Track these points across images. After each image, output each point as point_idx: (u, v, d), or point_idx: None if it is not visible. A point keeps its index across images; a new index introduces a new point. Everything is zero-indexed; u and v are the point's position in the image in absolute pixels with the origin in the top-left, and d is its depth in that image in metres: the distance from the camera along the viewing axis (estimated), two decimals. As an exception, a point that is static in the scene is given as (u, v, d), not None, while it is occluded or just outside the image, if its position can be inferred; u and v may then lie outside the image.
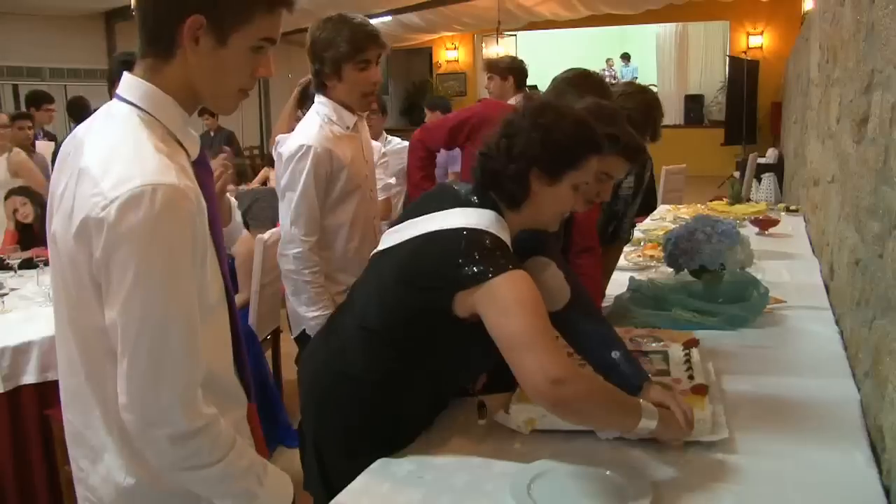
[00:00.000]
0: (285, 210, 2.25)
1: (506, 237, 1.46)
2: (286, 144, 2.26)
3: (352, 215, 2.32)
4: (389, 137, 4.38)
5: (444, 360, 1.56)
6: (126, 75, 1.13)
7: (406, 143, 3.67)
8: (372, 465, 1.48)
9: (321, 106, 2.31)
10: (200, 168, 1.18)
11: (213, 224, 1.16)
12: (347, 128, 2.31)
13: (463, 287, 1.39)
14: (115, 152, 1.05)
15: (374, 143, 2.79)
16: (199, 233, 1.06)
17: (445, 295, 1.42)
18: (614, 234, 2.71)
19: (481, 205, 1.49)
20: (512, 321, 1.34)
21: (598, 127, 1.54)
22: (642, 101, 2.31)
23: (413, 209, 1.59)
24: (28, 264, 3.31)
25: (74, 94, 10.06)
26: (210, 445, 1.07)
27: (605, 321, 1.78)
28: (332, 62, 2.20)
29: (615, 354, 1.62)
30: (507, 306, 1.35)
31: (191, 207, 1.04)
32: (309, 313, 2.26)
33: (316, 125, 2.27)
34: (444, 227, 1.45)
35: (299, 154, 2.20)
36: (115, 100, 1.13)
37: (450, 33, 14.32)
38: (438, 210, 1.50)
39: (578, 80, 2.21)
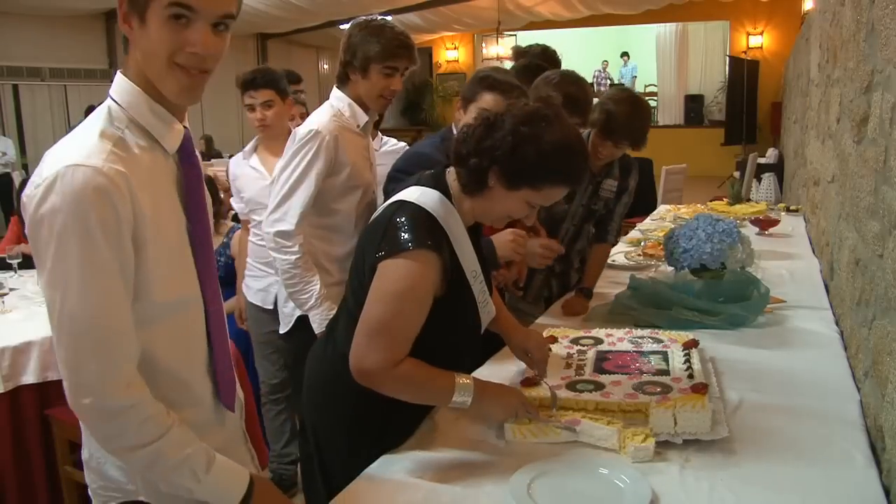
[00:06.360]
0: (277, 189, 2.23)
1: (450, 218, 1.51)
2: (298, 129, 2.27)
3: (350, 214, 2.32)
4: (385, 138, 4.31)
5: (422, 345, 1.50)
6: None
7: (402, 144, 3.61)
8: (372, 465, 1.48)
9: (336, 100, 2.32)
10: (185, 160, 1.21)
11: (197, 222, 1.20)
12: (358, 126, 2.32)
13: (379, 260, 1.45)
14: (65, 140, 1.10)
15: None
16: (123, 216, 1.06)
17: (374, 270, 1.47)
18: (599, 237, 2.70)
19: (433, 185, 1.53)
20: (377, 307, 1.44)
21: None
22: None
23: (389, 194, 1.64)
24: (28, 264, 3.31)
25: (74, 93, 10.13)
26: (136, 427, 1.08)
27: None
28: (363, 58, 2.23)
29: None
30: (385, 292, 1.44)
31: (109, 188, 1.04)
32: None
33: (327, 115, 2.28)
34: (387, 203, 1.53)
35: (308, 137, 2.20)
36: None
37: (450, 33, 14.33)
38: (402, 190, 1.56)
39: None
